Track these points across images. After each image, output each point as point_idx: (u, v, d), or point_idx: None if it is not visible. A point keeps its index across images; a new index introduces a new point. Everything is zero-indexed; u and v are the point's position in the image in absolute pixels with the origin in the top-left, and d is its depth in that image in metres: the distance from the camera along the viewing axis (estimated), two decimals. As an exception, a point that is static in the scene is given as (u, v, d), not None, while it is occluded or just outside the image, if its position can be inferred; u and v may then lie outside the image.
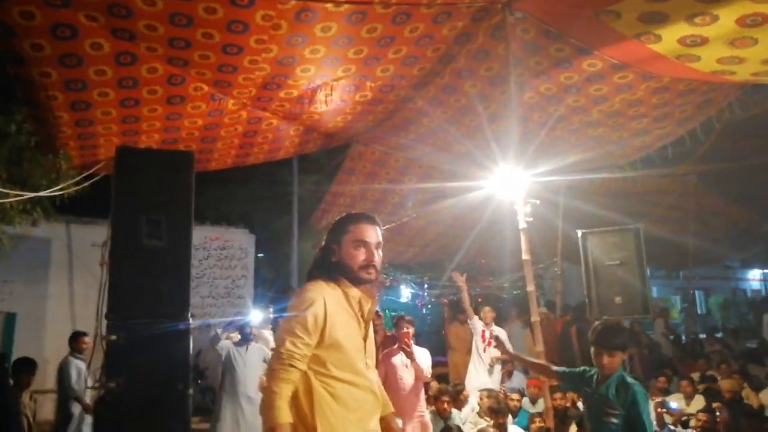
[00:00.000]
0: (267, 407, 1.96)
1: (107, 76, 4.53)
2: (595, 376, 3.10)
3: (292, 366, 2.00)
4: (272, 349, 2.10)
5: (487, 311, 6.94)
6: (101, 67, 4.41)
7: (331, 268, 2.21)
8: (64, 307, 7.81)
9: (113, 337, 3.10)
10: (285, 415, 1.93)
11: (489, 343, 6.73)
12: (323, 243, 2.29)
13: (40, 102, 4.70)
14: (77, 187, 5.41)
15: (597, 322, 3.31)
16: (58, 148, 5.33)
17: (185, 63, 4.55)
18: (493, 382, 6.63)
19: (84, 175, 5.44)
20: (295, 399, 2.01)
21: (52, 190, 5.11)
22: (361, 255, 2.18)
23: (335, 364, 2.07)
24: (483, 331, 6.83)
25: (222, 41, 4.25)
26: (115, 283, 3.19)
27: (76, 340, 6.16)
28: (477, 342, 6.83)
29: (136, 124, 5.34)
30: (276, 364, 2.02)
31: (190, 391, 3.21)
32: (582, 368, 3.28)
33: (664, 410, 5.55)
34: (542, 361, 4.07)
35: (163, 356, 3.12)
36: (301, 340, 2.02)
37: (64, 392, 5.91)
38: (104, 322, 3.23)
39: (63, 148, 5.36)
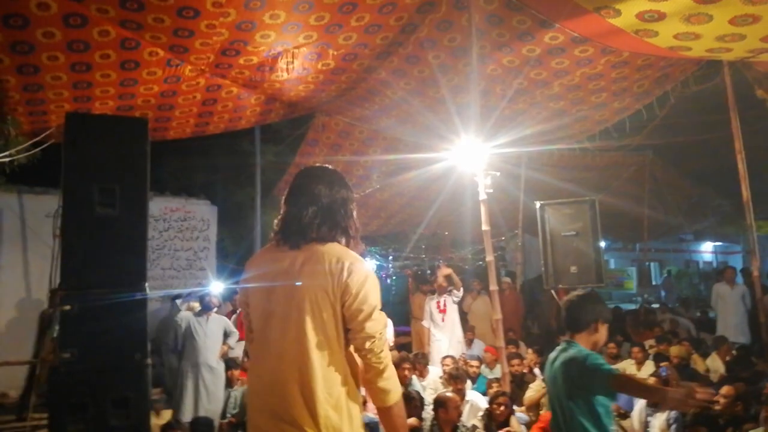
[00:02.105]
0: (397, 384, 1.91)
1: (56, 39, 4.34)
2: None
3: None
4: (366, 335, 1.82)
5: (440, 277, 7.08)
6: (49, 29, 4.23)
7: (349, 232, 1.98)
8: (18, 278, 7.60)
9: (67, 308, 3.03)
10: None
11: (443, 310, 6.91)
12: (336, 197, 1.96)
13: (-15, 65, 4.50)
14: (27, 154, 5.22)
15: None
16: (6, 114, 5.12)
17: (139, 26, 4.40)
18: (457, 347, 6.81)
19: (33, 141, 5.25)
20: (347, 376, 1.87)
21: (-1, 156, 4.92)
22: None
23: None
24: (437, 302, 6.99)
25: (177, 4, 4.12)
26: (67, 252, 3.11)
27: None
28: (433, 312, 6.98)
29: (89, 90, 5.16)
30: (384, 345, 1.89)
31: (148, 360, 3.18)
32: None
33: None
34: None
35: (119, 326, 3.06)
36: None
37: None
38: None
39: (11, 114, 5.15)
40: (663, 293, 17.16)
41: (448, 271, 7.15)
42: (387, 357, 1.88)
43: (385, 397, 1.88)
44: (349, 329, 1.85)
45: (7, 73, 4.63)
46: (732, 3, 3.90)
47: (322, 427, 1.77)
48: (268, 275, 1.93)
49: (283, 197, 2.03)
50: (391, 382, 1.89)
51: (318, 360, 1.80)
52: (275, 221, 2.02)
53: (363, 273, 1.84)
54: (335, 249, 1.88)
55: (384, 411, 1.91)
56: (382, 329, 1.87)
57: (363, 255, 2.49)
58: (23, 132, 5.34)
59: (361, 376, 1.91)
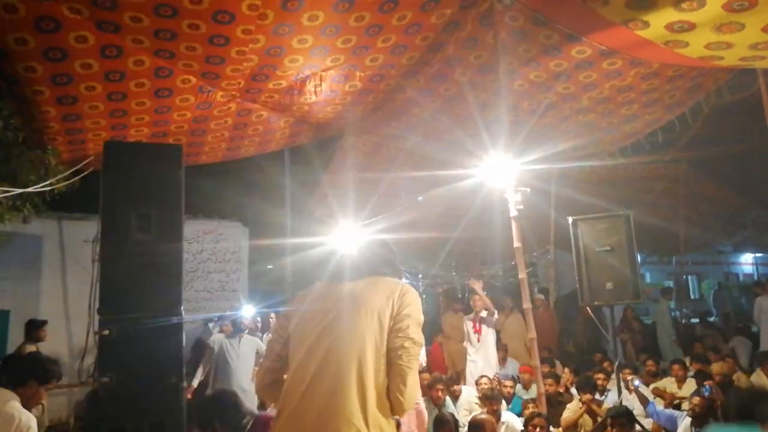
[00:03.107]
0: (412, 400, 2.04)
1: (93, 70, 4.49)
2: None
3: None
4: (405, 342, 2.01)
5: (477, 299, 7.01)
6: (87, 61, 4.37)
7: (397, 270, 2.28)
8: (58, 303, 7.79)
9: (105, 332, 3.09)
10: None
11: (478, 330, 6.83)
12: (379, 241, 2.38)
13: (26, 97, 4.66)
14: (66, 182, 5.38)
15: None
16: (46, 144, 5.29)
17: (172, 55, 4.52)
18: (491, 367, 6.72)
19: (73, 170, 5.41)
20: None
21: (40, 185, 5.08)
22: None
23: None
24: (473, 321, 6.92)
25: (208, 32, 4.22)
26: (105, 278, 3.18)
27: (36, 328, 6.13)
28: (469, 332, 6.91)
29: (125, 118, 5.30)
30: (417, 353, 2.06)
31: (184, 384, 3.21)
32: None
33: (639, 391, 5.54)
34: None
35: (155, 350, 3.11)
36: None
37: None
38: (96, 318, 3.23)
39: (51, 144, 5.32)
40: (713, 309, 16.21)
41: (479, 284, 7.08)
42: (415, 365, 2.02)
43: (398, 407, 1.99)
44: (391, 334, 2.01)
45: (48, 105, 4.79)
46: (764, 11, 3.81)
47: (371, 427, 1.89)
48: (325, 304, 2.11)
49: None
50: (408, 392, 1.98)
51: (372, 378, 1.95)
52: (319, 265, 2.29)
53: (414, 296, 2.11)
54: (390, 279, 2.17)
55: None
56: (420, 341, 2.05)
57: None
58: (63, 161, 5.51)
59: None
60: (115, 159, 3.37)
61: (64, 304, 7.79)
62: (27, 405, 3.24)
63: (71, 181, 5.46)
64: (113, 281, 3.18)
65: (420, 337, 2.04)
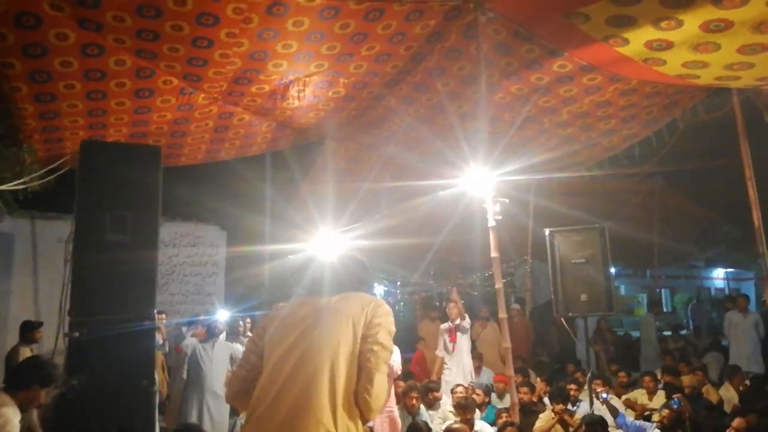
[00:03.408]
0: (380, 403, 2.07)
1: (73, 68, 4.43)
2: None
3: None
4: (372, 351, 2.06)
5: (452, 307, 7.03)
6: (67, 59, 4.32)
7: (370, 288, 2.42)
8: (28, 303, 7.62)
9: (75, 334, 3.05)
10: None
11: (454, 338, 6.84)
12: (352, 254, 2.49)
13: (3, 93, 4.59)
14: (41, 181, 5.29)
15: None
16: (22, 141, 5.20)
17: (154, 55, 4.48)
18: (465, 375, 6.73)
19: (48, 168, 5.32)
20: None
21: (14, 183, 4.98)
22: None
23: None
24: (449, 329, 6.93)
25: (192, 34, 4.19)
26: (77, 279, 3.14)
27: (30, 330, 6.01)
28: (445, 339, 6.92)
29: (104, 118, 5.24)
30: (386, 358, 2.10)
31: (155, 387, 3.17)
32: None
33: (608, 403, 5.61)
34: None
35: (126, 353, 3.07)
36: None
37: None
38: (67, 319, 3.18)
39: (27, 141, 5.23)
40: (692, 321, 16.29)
41: (455, 291, 7.12)
42: (384, 368, 2.06)
43: (365, 407, 2.01)
44: (362, 340, 2.06)
45: (25, 101, 4.72)
46: (740, 32, 3.92)
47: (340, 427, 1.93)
48: (302, 313, 2.17)
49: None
50: (375, 392, 2.01)
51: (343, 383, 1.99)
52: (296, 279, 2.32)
53: (387, 308, 2.18)
54: (364, 294, 2.25)
55: None
56: (390, 347, 2.11)
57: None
58: (38, 159, 5.42)
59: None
60: (91, 158, 3.34)
61: (35, 304, 7.63)
62: (26, 407, 3.22)
63: (47, 180, 5.37)
64: (85, 283, 3.13)
65: (390, 344, 2.10)
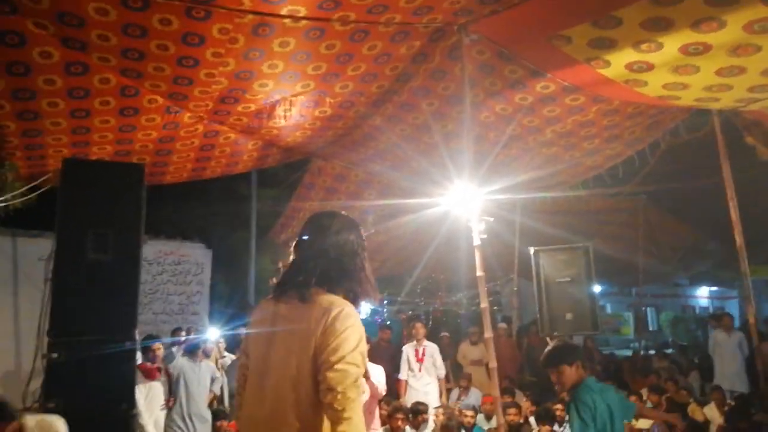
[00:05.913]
0: None
1: (57, 86, 4.41)
2: None
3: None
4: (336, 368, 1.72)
5: (419, 327, 6.97)
6: (50, 77, 4.30)
7: (357, 281, 1.98)
8: (7, 323, 7.47)
9: (54, 356, 2.99)
10: None
11: (421, 360, 6.75)
12: (344, 245, 1.98)
13: (-15, 111, 4.55)
14: (23, 199, 5.23)
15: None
16: (4, 158, 5.16)
17: (139, 75, 4.48)
18: (429, 396, 6.63)
19: (29, 186, 5.27)
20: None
21: (-5, 201, 4.93)
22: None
23: None
24: (416, 350, 6.84)
25: (177, 53, 4.20)
26: (57, 298, 3.09)
27: None
28: (410, 359, 6.81)
29: (87, 135, 5.21)
30: (356, 392, 1.75)
31: (135, 410, 3.11)
32: None
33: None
34: None
35: (106, 376, 3.02)
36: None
37: None
38: (45, 340, 3.12)
39: (9, 159, 5.18)
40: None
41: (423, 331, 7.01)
42: (351, 415, 1.70)
43: None
44: (322, 364, 1.74)
45: (7, 119, 4.68)
46: (718, 55, 4.01)
47: None
48: (266, 323, 1.93)
49: (292, 246, 2.05)
50: None
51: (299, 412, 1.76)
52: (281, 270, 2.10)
53: (346, 322, 1.77)
54: (328, 298, 1.85)
55: None
56: (348, 385, 1.71)
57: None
58: (21, 176, 5.37)
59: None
60: (73, 176, 3.31)
61: (15, 323, 7.48)
62: None
63: (28, 197, 5.31)
64: (65, 302, 3.09)
65: (344, 378, 1.72)
